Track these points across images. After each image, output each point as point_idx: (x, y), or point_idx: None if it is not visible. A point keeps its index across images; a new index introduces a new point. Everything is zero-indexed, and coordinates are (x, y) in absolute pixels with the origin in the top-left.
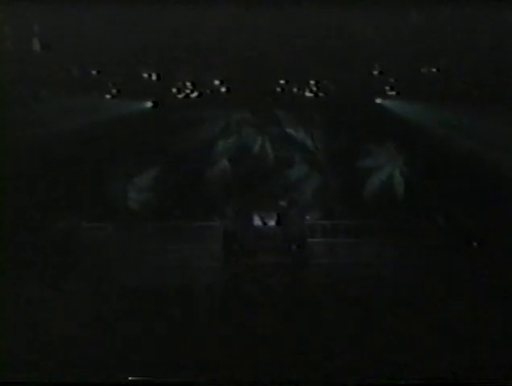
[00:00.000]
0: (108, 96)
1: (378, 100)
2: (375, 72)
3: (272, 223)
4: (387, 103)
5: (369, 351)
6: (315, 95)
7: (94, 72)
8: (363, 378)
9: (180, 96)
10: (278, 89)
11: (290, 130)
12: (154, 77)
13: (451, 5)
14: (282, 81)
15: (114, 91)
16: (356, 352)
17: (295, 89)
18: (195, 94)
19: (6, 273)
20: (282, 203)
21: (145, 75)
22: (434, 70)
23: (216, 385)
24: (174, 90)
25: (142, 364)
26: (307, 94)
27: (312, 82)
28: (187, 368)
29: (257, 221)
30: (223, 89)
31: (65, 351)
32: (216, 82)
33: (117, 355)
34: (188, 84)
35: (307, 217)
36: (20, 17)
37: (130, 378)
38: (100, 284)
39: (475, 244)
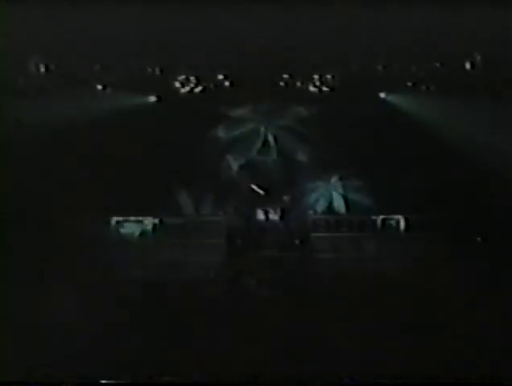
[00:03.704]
0: (110, 90)
1: (382, 95)
2: (379, 67)
3: (276, 217)
4: (391, 97)
5: (370, 348)
6: (319, 89)
7: (98, 67)
8: (364, 376)
9: (184, 90)
10: (282, 84)
11: (293, 125)
12: (157, 72)
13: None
14: (285, 76)
15: (117, 85)
16: (357, 349)
17: (298, 84)
18: (199, 88)
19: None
20: (286, 198)
21: (149, 69)
22: (438, 64)
23: (217, 383)
24: (177, 84)
25: (145, 363)
26: (311, 88)
27: (316, 76)
28: (188, 365)
29: (260, 216)
30: (226, 84)
31: (65, 351)
32: (220, 76)
33: (117, 355)
34: (192, 78)
35: (311, 212)
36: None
37: (130, 378)
38: (100, 279)
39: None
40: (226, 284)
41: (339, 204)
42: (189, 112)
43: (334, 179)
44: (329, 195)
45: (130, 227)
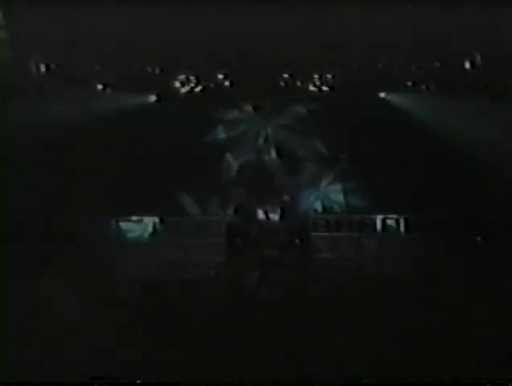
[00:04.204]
0: (110, 90)
1: (382, 95)
2: (379, 66)
3: (276, 217)
4: (391, 97)
5: (370, 348)
6: (319, 89)
7: (98, 67)
8: (364, 376)
9: (184, 90)
10: (282, 83)
11: (293, 125)
12: (157, 72)
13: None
14: (285, 75)
15: (117, 85)
16: (357, 349)
17: (298, 83)
18: (199, 88)
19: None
20: (286, 198)
21: (149, 69)
22: (438, 64)
23: (217, 383)
24: (177, 84)
25: (145, 363)
26: (311, 88)
27: (316, 76)
28: (188, 365)
29: (260, 216)
30: (226, 84)
31: (65, 351)
32: (220, 76)
33: (117, 355)
34: (192, 78)
35: (311, 211)
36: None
37: (130, 378)
38: (100, 279)
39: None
40: (226, 284)
41: (337, 204)
42: (189, 112)
43: (333, 179)
44: (328, 194)
45: (135, 231)
